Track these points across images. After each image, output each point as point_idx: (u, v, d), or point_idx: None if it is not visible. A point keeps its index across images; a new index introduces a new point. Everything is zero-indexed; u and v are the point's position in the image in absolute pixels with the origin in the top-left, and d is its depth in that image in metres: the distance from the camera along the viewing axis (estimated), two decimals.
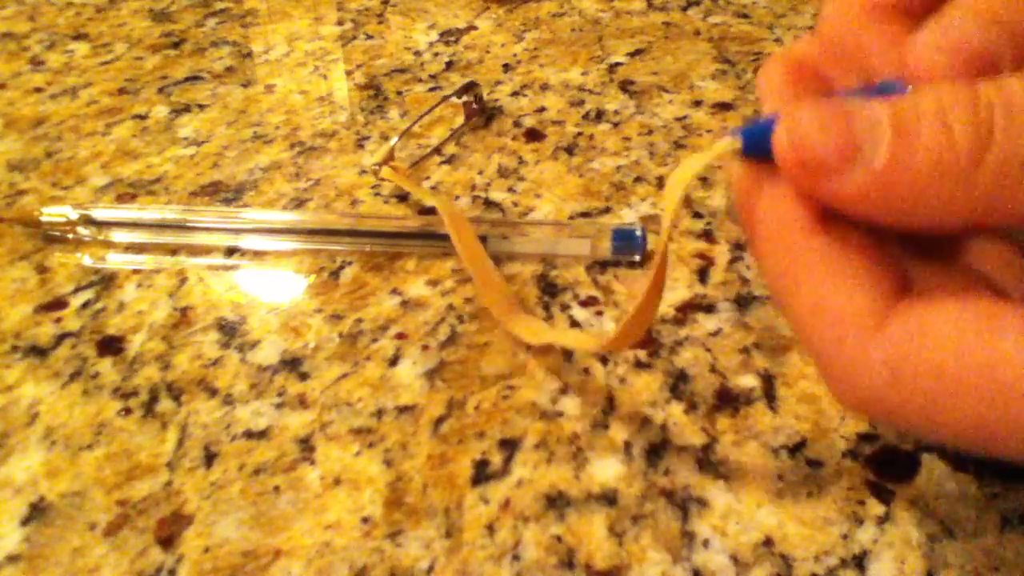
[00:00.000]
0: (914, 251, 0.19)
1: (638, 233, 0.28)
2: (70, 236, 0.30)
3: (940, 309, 0.15)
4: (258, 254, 0.30)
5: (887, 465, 0.22)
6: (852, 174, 0.15)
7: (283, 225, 0.30)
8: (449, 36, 0.44)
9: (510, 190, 0.32)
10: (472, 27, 0.45)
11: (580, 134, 0.35)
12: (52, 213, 0.30)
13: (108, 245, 0.30)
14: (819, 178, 0.15)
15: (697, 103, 0.37)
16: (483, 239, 0.28)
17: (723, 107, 0.37)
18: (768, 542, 0.20)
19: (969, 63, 0.16)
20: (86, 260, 0.30)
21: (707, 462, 0.22)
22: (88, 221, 0.30)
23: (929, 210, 0.15)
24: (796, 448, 0.22)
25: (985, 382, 0.14)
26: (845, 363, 0.16)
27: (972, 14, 0.16)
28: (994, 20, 0.16)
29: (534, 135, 0.36)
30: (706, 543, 0.20)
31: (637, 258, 0.28)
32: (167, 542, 0.21)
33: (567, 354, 0.25)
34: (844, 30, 0.19)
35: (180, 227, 0.30)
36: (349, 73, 0.41)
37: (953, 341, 0.14)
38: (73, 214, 0.30)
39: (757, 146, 0.17)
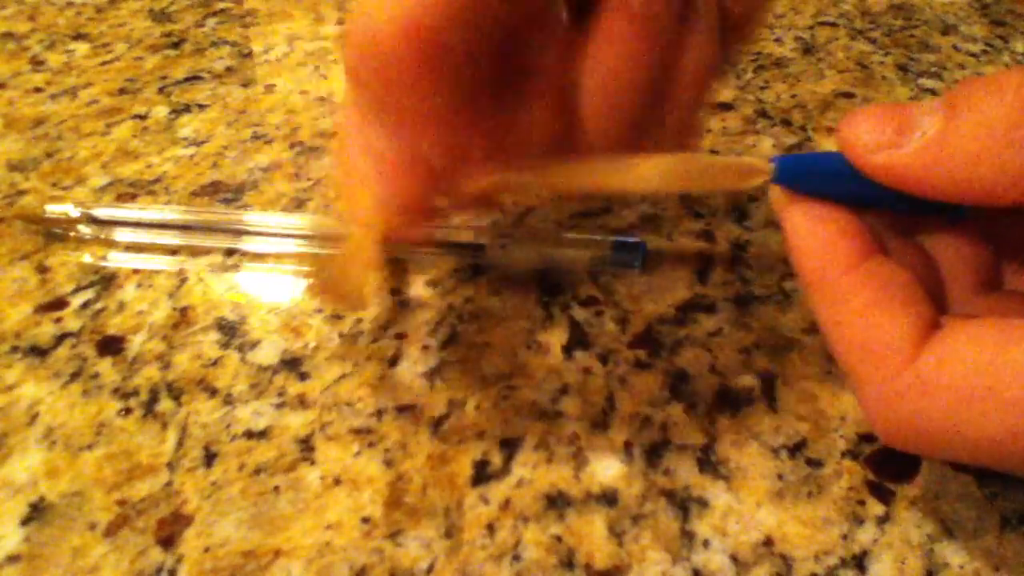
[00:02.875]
0: (965, 280, 0.19)
1: (638, 244, 0.28)
2: (71, 235, 0.30)
3: (963, 331, 0.15)
4: (258, 254, 0.30)
5: (887, 465, 0.22)
6: (908, 145, 0.16)
7: (283, 226, 0.30)
8: None
9: None
10: None
11: None
12: (55, 211, 0.30)
13: (108, 245, 0.30)
14: (878, 151, 0.16)
15: None
16: (481, 247, 0.28)
17: (723, 107, 0.37)
18: (768, 542, 0.20)
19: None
20: (86, 260, 0.30)
21: (707, 462, 0.22)
22: (90, 219, 0.30)
23: (983, 173, 0.15)
24: (796, 448, 0.22)
25: (1000, 396, 0.14)
26: (879, 393, 0.16)
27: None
28: None
29: None
30: (706, 543, 0.20)
31: (636, 266, 0.28)
32: (167, 542, 0.21)
33: (567, 354, 0.25)
34: None
35: (180, 227, 0.30)
36: None
37: (973, 360, 0.15)
38: (75, 211, 0.30)
39: (790, 175, 0.18)
